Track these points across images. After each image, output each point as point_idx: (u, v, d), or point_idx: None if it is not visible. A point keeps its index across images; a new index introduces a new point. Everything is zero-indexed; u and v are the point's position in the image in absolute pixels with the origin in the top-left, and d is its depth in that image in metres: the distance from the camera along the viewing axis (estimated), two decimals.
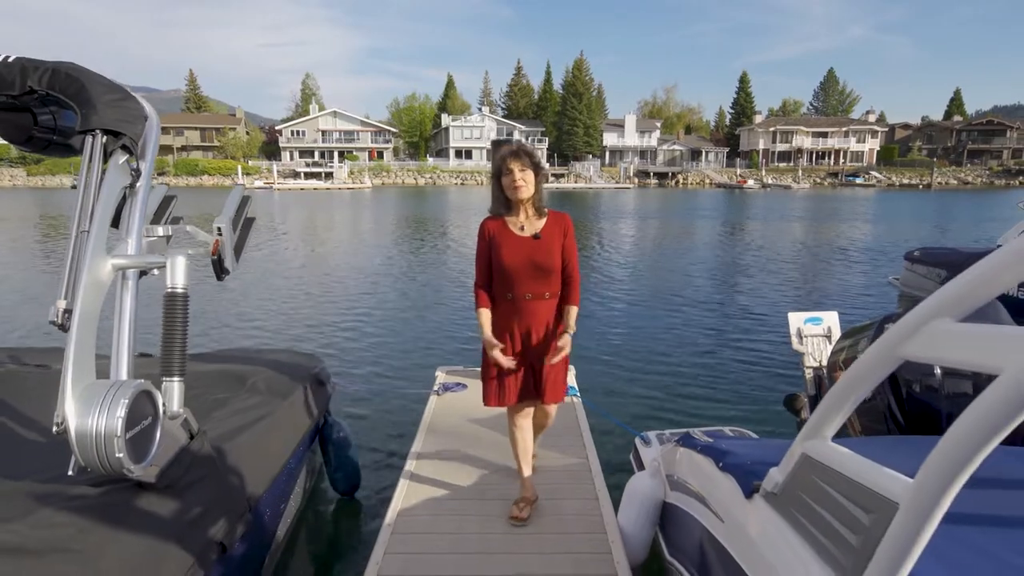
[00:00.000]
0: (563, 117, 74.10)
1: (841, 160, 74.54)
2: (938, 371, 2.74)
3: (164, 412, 1.94)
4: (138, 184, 2.18)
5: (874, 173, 69.70)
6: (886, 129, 79.91)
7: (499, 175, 2.61)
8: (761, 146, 74.87)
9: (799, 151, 74.70)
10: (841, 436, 1.65)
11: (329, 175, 62.79)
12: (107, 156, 2.10)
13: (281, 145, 70.87)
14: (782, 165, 73.62)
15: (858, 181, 67.34)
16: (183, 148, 68.71)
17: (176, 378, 1.99)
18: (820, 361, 4.31)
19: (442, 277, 12.00)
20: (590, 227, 22.03)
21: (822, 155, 75.52)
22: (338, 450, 3.63)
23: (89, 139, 2.06)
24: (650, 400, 5.21)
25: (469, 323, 8.01)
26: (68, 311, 1.81)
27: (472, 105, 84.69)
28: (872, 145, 75.81)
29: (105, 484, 1.82)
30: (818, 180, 68.77)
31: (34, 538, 1.52)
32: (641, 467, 3.37)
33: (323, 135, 71.91)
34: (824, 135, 75.26)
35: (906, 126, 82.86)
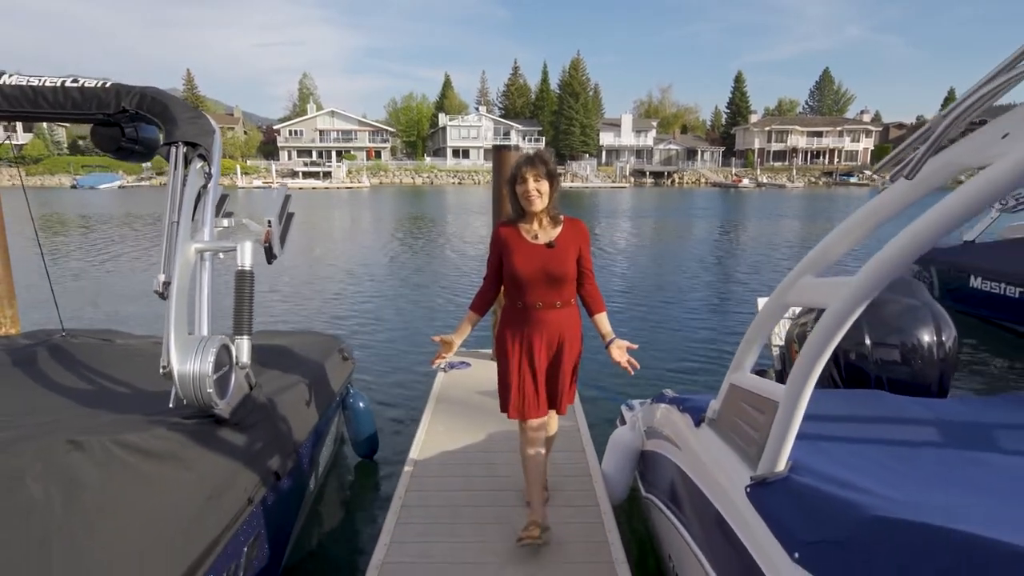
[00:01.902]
0: (560, 117, 74.72)
1: (836, 159, 75.25)
2: (868, 341, 3.26)
3: (236, 362, 2.45)
4: (209, 185, 2.68)
5: (868, 172, 70.39)
6: (880, 128, 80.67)
7: (514, 182, 2.54)
8: (756, 145, 75.57)
9: (794, 150, 75.41)
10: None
11: (327, 175, 63.29)
12: (187, 163, 2.60)
13: (279, 145, 71.29)
14: (777, 164, 74.35)
15: (852, 180, 68.06)
16: None
17: (245, 336, 2.50)
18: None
19: (445, 270, 12.62)
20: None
21: (817, 154, 76.21)
22: (359, 418, 4.13)
23: (173, 149, 2.56)
24: (636, 376, 5.73)
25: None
26: (167, 283, 2.32)
27: (469, 105, 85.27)
28: (867, 144, 76.54)
29: (193, 417, 2.33)
30: (812, 179, 69.49)
31: (156, 445, 2.02)
32: None
33: (321, 135, 72.34)
34: (819, 134, 75.97)
35: (900, 125, 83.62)
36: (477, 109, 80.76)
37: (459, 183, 64.79)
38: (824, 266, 1.67)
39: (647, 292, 10.33)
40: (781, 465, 1.69)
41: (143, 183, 60.18)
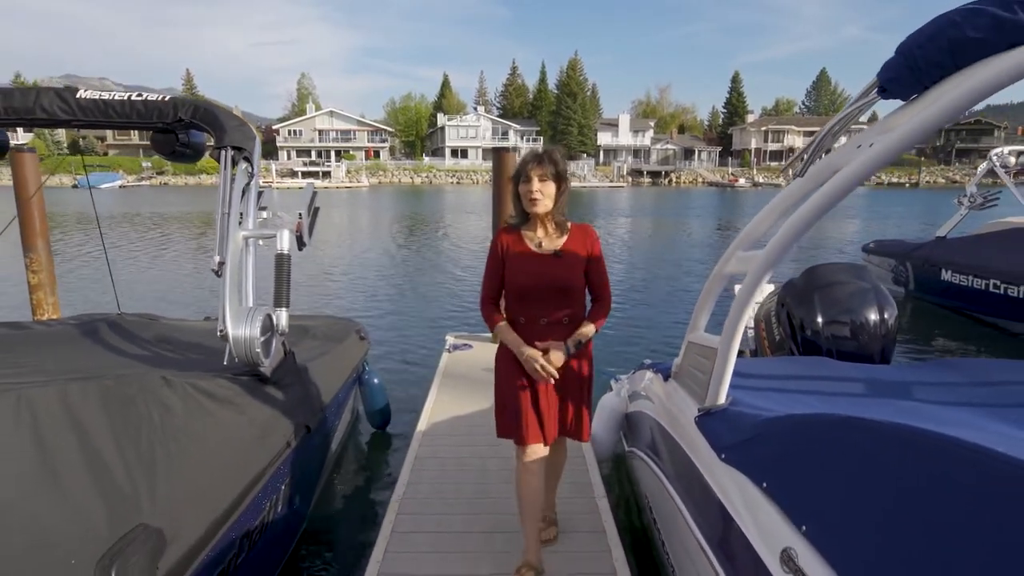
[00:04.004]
0: (558, 117, 75.24)
1: None
2: (820, 320, 3.73)
3: (277, 329, 2.91)
4: (252, 183, 3.14)
5: None
6: None
7: (518, 179, 2.33)
8: (753, 145, 76.16)
9: (791, 150, 75.86)
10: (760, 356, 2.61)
11: (327, 174, 63.72)
12: (234, 164, 3.06)
13: (278, 145, 71.64)
14: (774, 164, 74.89)
15: None
16: None
17: (284, 308, 2.96)
18: None
19: (446, 263, 13.33)
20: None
21: None
22: (373, 393, 4.59)
23: (223, 153, 3.02)
24: (630, 357, 6.25)
25: (470, 301, 9.40)
26: (222, 263, 2.78)
27: (468, 105, 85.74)
28: None
29: (243, 374, 2.78)
30: None
31: (218, 391, 2.47)
32: None
33: (320, 134, 72.74)
34: (815, 134, 76.50)
35: None
36: (475, 109, 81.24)
37: (458, 183, 65.24)
38: (749, 243, 2.14)
39: (634, 279, 10.85)
40: (722, 399, 2.16)
41: (143, 183, 60.58)
